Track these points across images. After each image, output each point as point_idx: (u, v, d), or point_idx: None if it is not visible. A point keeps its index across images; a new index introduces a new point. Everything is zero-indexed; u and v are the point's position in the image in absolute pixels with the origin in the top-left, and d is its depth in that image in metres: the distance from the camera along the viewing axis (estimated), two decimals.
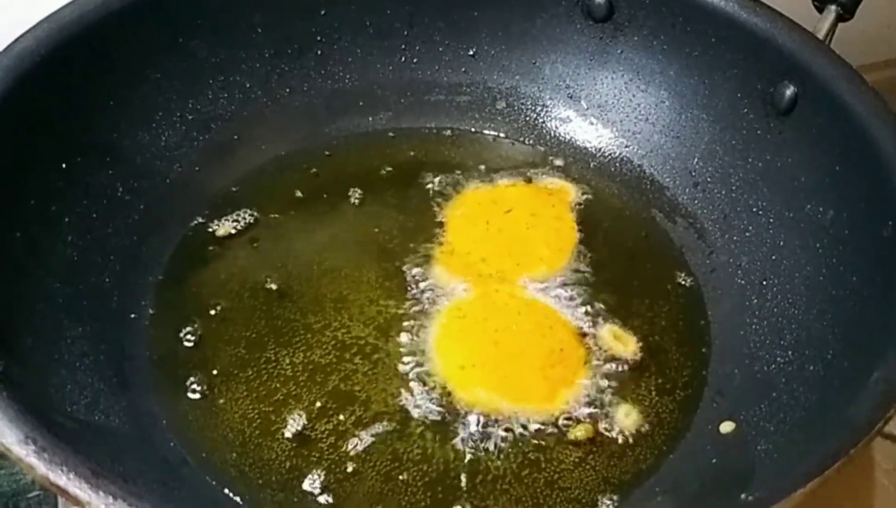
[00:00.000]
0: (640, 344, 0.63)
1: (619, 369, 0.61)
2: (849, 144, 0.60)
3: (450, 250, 0.67)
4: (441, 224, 0.69)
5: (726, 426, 0.57)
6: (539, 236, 0.69)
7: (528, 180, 0.73)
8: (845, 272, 0.58)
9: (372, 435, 0.56)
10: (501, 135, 0.77)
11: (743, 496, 0.42)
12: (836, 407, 0.49)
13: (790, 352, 0.59)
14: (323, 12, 0.73)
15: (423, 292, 0.64)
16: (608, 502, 0.55)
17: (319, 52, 0.74)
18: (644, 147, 0.74)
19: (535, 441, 0.57)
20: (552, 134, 0.77)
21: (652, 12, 0.71)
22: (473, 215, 0.70)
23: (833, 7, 0.67)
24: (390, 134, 0.76)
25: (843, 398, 0.49)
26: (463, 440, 0.56)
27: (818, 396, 0.53)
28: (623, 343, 0.63)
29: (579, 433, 0.57)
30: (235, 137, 0.71)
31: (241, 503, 0.53)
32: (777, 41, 0.65)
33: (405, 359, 0.60)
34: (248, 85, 0.72)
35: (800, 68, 0.64)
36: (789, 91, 0.65)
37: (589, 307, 0.64)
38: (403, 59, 0.76)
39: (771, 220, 0.66)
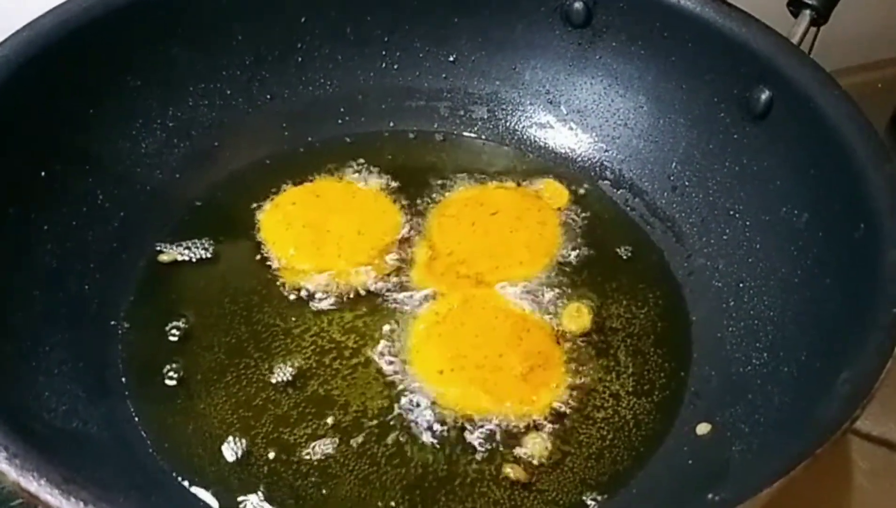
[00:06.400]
0: (619, 347, 0.63)
1: (598, 371, 0.62)
2: (823, 148, 0.61)
3: (432, 252, 0.68)
4: (426, 226, 0.69)
5: (703, 428, 0.58)
6: (521, 239, 0.69)
7: (518, 184, 0.73)
8: (819, 274, 0.59)
9: (350, 439, 0.57)
10: (482, 140, 0.78)
11: (710, 496, 0.42)
12: (808, 408, 0.49)
13: (765, 354, 0.59)
14: (303, 19, 0.73)
15: (402, 295, 0.65)
16: (591, 502, 0.55)
17: (300, 58, 0.75)
18: (623, 152, 0.75)
19: (514, 444, 0.57)
20: (532, 139, 0.77)
21: (630, 18, 0.72)
22: (460, 215, 0.70)
23: (807, 12, 0.67)
24: (373, 139, 0.76)
25: (814, 399, 0.49)
26: (441, 443, 0.57)
27: (791, 397, 0.54)
28: (602, 346, 0.63)
29: (558, 435, 0.57)
30: (216, 143, 0.72)
31: None
32: (752, 46, 0.66)
33: (384, 363, 0.60)
34: (228, 92, 0.72)
35: (775, 73, 0.65)
36: (764, 95, 0.65)
37: (567, 310, 0.64)
38: (384, 65, 0.77)
39: (747, 223, 0.66)
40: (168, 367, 0.59)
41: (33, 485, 0.38)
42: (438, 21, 0.76)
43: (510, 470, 0.56)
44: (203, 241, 0.67)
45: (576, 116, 0.76)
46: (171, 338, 0.61)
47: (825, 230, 0.60)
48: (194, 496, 0.53)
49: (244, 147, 0.73)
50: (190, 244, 0.66)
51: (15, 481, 0.38)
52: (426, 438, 0.57)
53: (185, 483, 0.54)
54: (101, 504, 0.38)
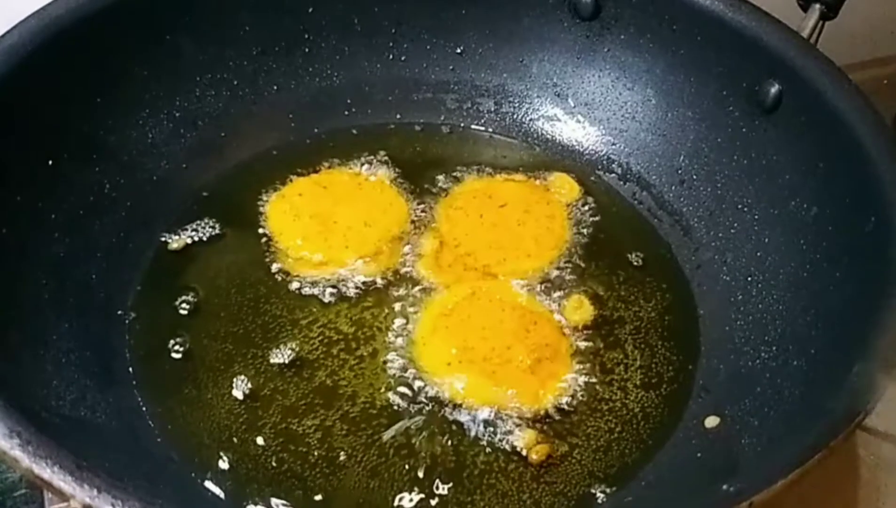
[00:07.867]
0: (627, 340, 0.63)
1: (606, 363, 0.61)
2: (832, 142, 0.61)
3: (439, 244, 0.67)
4: (434, 218, 0.69)
5: (711, 421, 0.58)
6: (529, 232, 0.69)
7: (527, 177, 0.73)
8: (828, 268, 0.59)
9: (358, 431, 0.56)
10: (489, 132, 0.77)
11: (725, 487, 0.42)
12: (819, 401, 0.49)
13: (774, 347, 0.59)
14: (310, 10, 0.73)
15: (409, 287, 0.64)
16: (599, 494, 0.55)
17: (307, 49, 0.74)
18: (630, 145, 0.74)
19: (521, 436, 0.57)
20: (539, 132, 0.77)
21: (639, 11, 0.72)
22: (468, 207, 0.70)
23: (817, 6, 0.67)
24: (379, 131, 0.76)
25: (826, 392, 0.49)
26: (449, 435, 0.57)
27: (801, 390, 0.54)
28: (609, 339, 0.63)
29: (566, 427, 0.57)
30: (223, 134, 0.72)
31: (224, 498, 0.53)
32: (762, 40, 0.66)
33: (391, 355, 0.60)
34: (235, 82, 0.72)
35: (784, 67, 0.65)
36: (774, 89, 0.65)
37: (570, 302, 0.64)
38: (391, 57, 0.76)
39: (756, 217, 0.66)
40: (174, 356, 0.59)
41: (46, 472, 0.38)
42: (446, 13, 0.76)
43: (535, 456, 0.56)
44: (210, 221, 0.67)
45: (583, 109, 0.76)
46: (177, 329, 0.61)
47: (835, 224, 0.60)
48: (201, 485, 0.53)
49: (251, 138, 0.72)
50: (197, 227, 0.66)
51: (28, 467, 0.38)
52: (434, 429, 0.57)
53: (192, 473, 0.54)
54: (113, 492, 0.38)
